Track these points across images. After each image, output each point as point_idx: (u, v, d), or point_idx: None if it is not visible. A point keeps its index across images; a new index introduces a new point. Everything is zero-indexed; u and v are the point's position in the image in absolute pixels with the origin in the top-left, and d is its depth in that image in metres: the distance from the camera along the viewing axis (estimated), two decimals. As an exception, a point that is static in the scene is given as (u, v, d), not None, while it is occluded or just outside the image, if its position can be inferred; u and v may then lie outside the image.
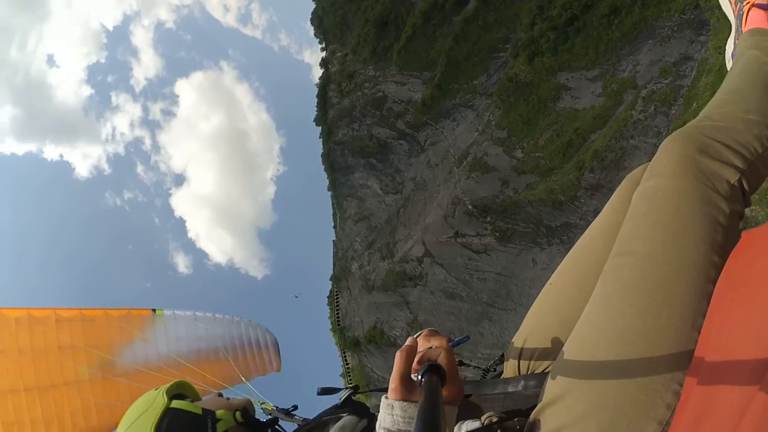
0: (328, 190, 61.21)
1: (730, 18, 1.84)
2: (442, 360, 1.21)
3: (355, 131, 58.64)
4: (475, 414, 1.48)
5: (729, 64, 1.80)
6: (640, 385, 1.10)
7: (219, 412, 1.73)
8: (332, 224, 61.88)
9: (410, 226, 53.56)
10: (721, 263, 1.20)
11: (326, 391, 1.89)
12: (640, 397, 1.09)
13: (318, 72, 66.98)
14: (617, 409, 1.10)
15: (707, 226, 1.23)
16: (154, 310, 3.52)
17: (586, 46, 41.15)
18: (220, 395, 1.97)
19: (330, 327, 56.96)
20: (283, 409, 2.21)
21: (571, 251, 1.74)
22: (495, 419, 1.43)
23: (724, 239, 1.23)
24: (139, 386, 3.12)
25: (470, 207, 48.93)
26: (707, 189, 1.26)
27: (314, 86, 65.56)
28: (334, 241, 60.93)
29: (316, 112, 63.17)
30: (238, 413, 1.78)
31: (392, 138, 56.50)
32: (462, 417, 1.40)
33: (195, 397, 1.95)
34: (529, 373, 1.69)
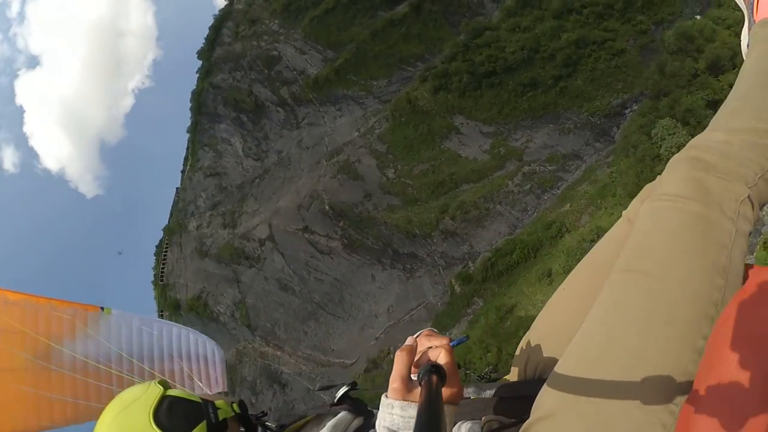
0: (188, 131, 55.01)
1: (741, 6, 1.79)
2: (442, 360, 1.17)
3: (236, 81, 52.85)
4: (476, 416, 1.48)
5: (744, 56, 1.72)
6: (637, 404, 1.08)
7: (218, 402, 1.70)
8: (181, 168, 56.09)
9: (261, 202, 50.66)
10: (724, 285, 1.18)
11: (326, 388, 1.88)
12: (636, 416, 1.08)
13: (222, 3, 58.78)
14: (612, 428, 1.09)
15: (711, 248, 1.21)
16: (102, 308, 3.44)
17: (493, 102, 41.19)
18: None
19: (152, 279, 52.56)
20: (252, 414, 2.03)
21: (585, 257, 1.69)
22: (495, 424, 1.45)
23: (728, 261, 1.20)
24: (82, 380, 3.10)
25: (327, 207, 47.59)
26: (712, 210, 1.25)
27: (212, 16, 57.39)
28: (178, 188, 55.42)
29: (203, 44, 55.60)
30: (235, 404, 1.78)
31: (272, 102, 52.04)
32: (462, 418, 1.42)
33: None
34: (535, 378, 1.66)
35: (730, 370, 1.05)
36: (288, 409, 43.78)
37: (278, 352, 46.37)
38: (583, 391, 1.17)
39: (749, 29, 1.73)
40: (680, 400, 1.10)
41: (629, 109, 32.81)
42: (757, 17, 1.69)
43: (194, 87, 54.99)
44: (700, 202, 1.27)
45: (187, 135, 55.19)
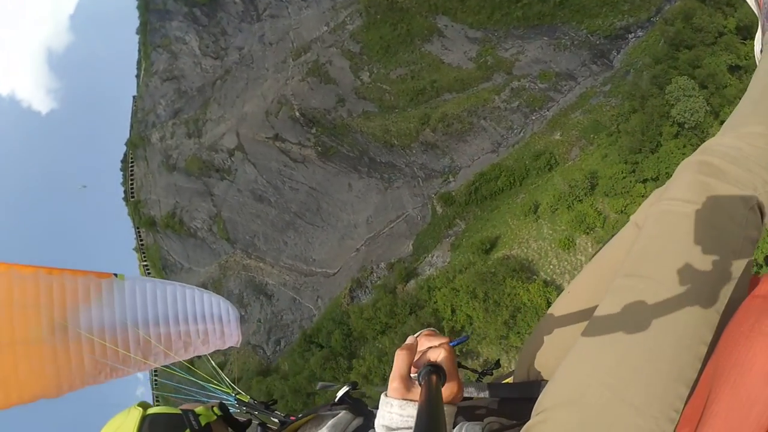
0: (137, 33, 48.54)
1: (756, 12, 1.77)
2: (442, 360, 1.19)
3: (180, -33, 45.51)
4: (477, 417, 1.46)
5: (758, 61, 1.73)
6: (638, 410, 1.08)
7: (198, 409, 1.74)
8: (135, 72, 50.64)
9: (225, 107, 46.66)
10: (729, 292, 1.17)
11: (326, 386, 1.88)
12: (636, 422, 1.07)
13: None
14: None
15: (718, 254, 1.19)
16: (115, 275, 3.42)
17: (483, 4, 35.76)
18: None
19: (122, 196, 50.18)
20: (261, 402, 2.17)
21: (591, 261, 1.70)
22: (497, 426, 1.41)
23: (734, 267, 1.20)
24: (94, 351, 3.19)
25: (297, 114, 44.02)
26: (720, 215, 1.23)
27: None
28: (134, 97, 50.49)
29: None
30: (215, 407, 1.80)
31: (226, -9, 45.41)
32: (463, 419, 1.41)
33: None
34: (540, 380, 1.67)
35: (740, 378, 1.00)
36: (277, 320, 45.13)
37: (261, 264, 46.41)
38: (584, 394, 1.16)
39: (763, 34, 1.70)
40: (680, 404, 1.09)
41: (633, 35, 29.20)
42: None
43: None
44: (707, 206, 1.25)
45: (137, 36, 48.84)
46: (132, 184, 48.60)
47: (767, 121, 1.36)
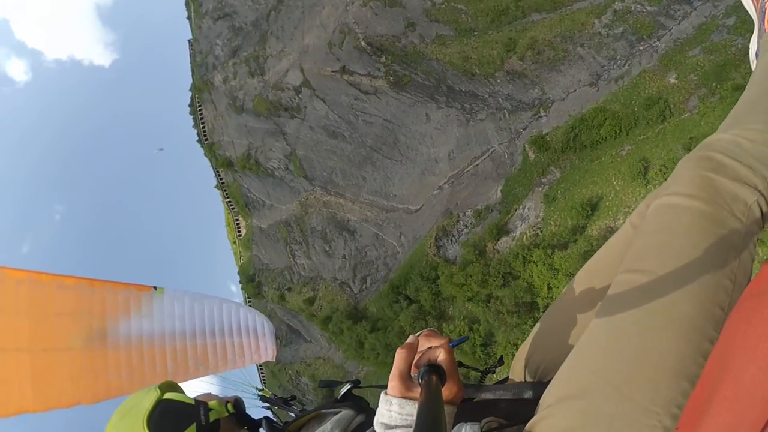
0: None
1: (752, 15, 1.75)
2: (442, 360, 1.21)
3: None
4: (475, 417, 1.45)
5: (753, 66, 1.72)
6: (639, 405, 1.09)
7: (211, 403, 1.79)
8: (185, 14, 47.20)
9: (284, 40, 42.95)
10: (732, 287, 1.18)
11: (328, 384, 1.94)
12: (638, 418, 1.08)
13: None
14: (614, 428, 1.10)
15: (719, 249, 1.20)
16: (155, 288, 3.71)
17: None
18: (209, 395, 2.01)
19: (196, 139, 49.83)
20: (280, 397, 2.25)
21: (590, 260, 1.73)
22: (495, 425, 1.45)
23: (737, 263, 1.20)
24: (131, 360, 3.41)
25: (363, 43, 39.60)
26: (721, 210, 1.23)
27: None
28: (189, 40, 47.52)
29: None
30: (229, 404, 1.84)
31: None
32: (462, 419, 1.38)
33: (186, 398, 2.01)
34: (536, 380, 1.69)
35: (743, 366, 0.97)
36: (361, 257, 45.39)
37: (341, 200, 45.79)
38: (586, 390, 1.15)
39: (759, 38, 1.68)
40: (682, 401, 1.08)
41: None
42: None
43: None
44: (709, 202, 1.24)
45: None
46: (204, 127, 47.85)
47: (765, 119, 1.34)
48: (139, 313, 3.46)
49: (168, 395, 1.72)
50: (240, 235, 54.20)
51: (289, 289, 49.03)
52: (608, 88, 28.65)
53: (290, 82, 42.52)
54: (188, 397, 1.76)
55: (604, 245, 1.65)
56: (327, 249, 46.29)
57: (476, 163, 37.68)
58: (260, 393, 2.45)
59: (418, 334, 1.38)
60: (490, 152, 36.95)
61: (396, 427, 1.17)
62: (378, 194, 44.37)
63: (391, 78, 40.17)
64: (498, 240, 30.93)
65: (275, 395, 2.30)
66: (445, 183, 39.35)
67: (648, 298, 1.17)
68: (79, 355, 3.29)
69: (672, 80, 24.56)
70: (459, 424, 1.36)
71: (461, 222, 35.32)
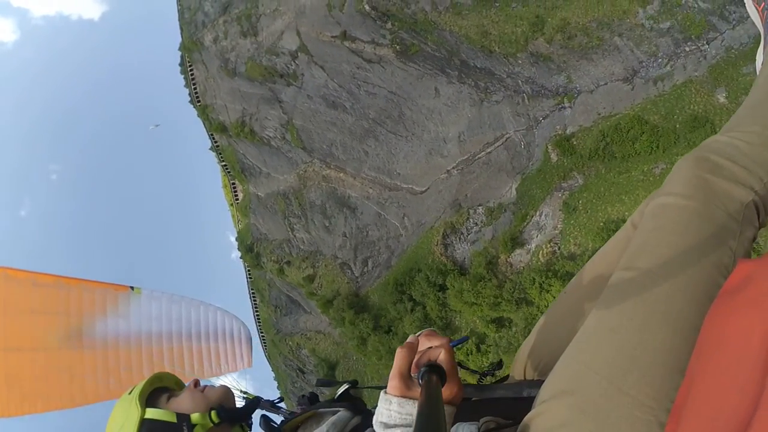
0: None
1: (758, 26, 1.79)
2: (442, 360, 1.20)
3: None
4: (474, 417, 1.45)
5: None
6: (635, 400, 1.08)
7: (194, 417, 1.72)
8: None
9: (280, -3, 37.81)
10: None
11: (324, 384, 1.92)
12: (633, 413, 1.08)
13: None
14: (609, 423, 1.09)
15: (714, 247, 1.22)
16: (132, 288, 3.63)
17: None
18: (197, 384, 1.90)
19: (188, 100, 45.92)
20: (267, 400, 2.19)
21: (589, 262, 1.73)
22: (493, 425, 1.44)
23: (731, 262, 1.21)
24: (108, 362, 3.33)
25: (366, 6, 34.54)
26: (717, 210, 1.25)
27: None
28: None
29: None
30: (213, 413, 1.75)
31: None
32: (460, 419, 1.39)
33: (174, 386, 1.95)
34: (535, 380, 1.70)
35: (720, 358, 1.01)
36: (363, 237, 42.86)
37: (341, 175, 42.72)
38: (581, 385, 1.15)
39: (765, 48, 1.66)
40: (676, 395, 1.08)
41: None
42: None
43: None
44: (704, 201, 1.25)
45: None
46: (195, 88, 43.96)
47: (763, 122, 1.35)
48: (115, 313, 3.34)
49: (149, 413, 1.68)
50: (237, 200, 51.73)
51: (288, 263, 47.15)
52: (644, 88, 24.76)
53: (285, 47, 38.18)
54: (169, 413, 1.70)
55: (605, 244, 1.62)
56: (327, 225, 43.85)
57: (489, 149, 34.12)
58: (245, 396, 2.40)
59: (418, 333, 1.36)
60: (504, 139, 33.31)
61: (395, 426, 1.15)
62: (381, 171, 41.16)
63: (397, 46, 35.71)
64: (512, 252, 28.23)
65: (260, 398, 2.18)
66: (453, 168, 35.98)
67: (643, 295, 1.17)
68: (55, 355, 3.15)
69: (721, 99, 20.74)
70: (457, 424, 1.36)
71: (471, 219, 32.47)
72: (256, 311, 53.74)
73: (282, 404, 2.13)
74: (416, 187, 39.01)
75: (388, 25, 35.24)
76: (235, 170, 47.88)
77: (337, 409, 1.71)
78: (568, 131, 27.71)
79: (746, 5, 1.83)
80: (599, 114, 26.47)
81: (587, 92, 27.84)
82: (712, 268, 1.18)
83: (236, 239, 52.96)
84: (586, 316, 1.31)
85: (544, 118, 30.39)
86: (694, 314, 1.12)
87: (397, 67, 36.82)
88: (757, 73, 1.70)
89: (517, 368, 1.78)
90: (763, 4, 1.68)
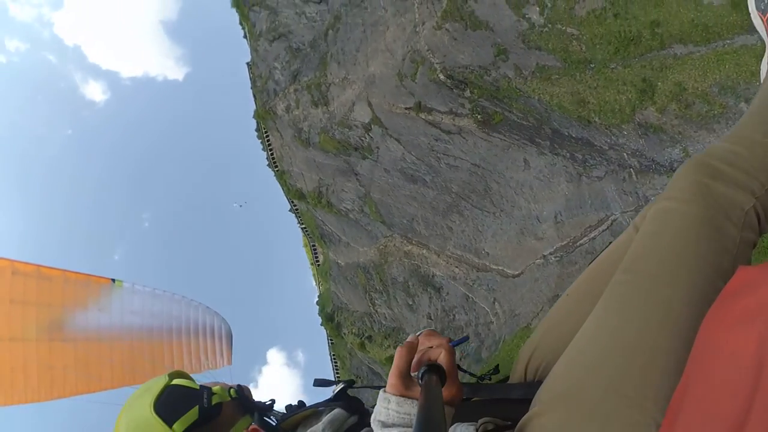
0: (226, -7, 37.94)
1: (763, 36, 1.80)
2: (442, 360, 1.20)
3: None
4: (472, 417, 1.45)
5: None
6: (633, 402, 1.08)
7: (215, 388, 1.82)
8: (242, 34, 41.48)
9: (346, 65, 35.23)
10: None
11: (321, 383, 1.87)
12: (631, 414, 1.08)
13: None
14: (607, 424, 1.08)
15: (714, 252, 1.20)
16: (113, 280, 3.46)
17: None
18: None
19: (266, 164, 45.45)
20: (260, 402, 2.08)
21: (591, 264, 1.68)
22: (491, 426, 1.43)
23: (731, 266, 1.20)
24: (85, 354, 3.17)
25: (441, 75, 30.70)
26: (718, 215, 1.25)
27: None
28: (248, 63, 41.90)
29: None
30: (232, 390, 1.88)
31: None
32: (458, 419, 1.39)
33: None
34: (535, 381, 1.64)
35: (713, 362, 1.02)
36: (449, 320, 38.41)
37: (424, 251, 38.54)
38: (579, 387, 1.16)
39: None
40: None
41: None
42: None
43: None
44: (705, 206, 1.26)
45: (229, -1, 38.33)
46: (272, 154, 42.99)
47: (764, 130, 1.37)
48: (96, 306, 3.34)
49: (176, 381, 1.78)
50: (318, 263, 50.11)
51: (370, 338, 44.08)
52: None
53: (358, 119, 35.34)
54: (195, 383, 1.81)
55: (607, 248, 1.64)
56: (410, 303, 40.03)
57: (592, 234, 27.85)
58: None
59: (418, 333, 1.37)
60: (610, 222, 26.85)
61: (393, 425, 1.16)
62: (467, 249, 36.39)
63: (478, 116, 30.97)
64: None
65: (252, 399, 2.20)
66: (551, 254, 30.23)
67: (642, 297, 1.18)
68: (34, 345, 3.09)
69: None
70: (455, 425, 1.38)
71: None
72: (337, 375, 51.42)
73: (272, 407, 2.07)
74: (508, 270, 33.68)
75: (467, 94, 30.81)
76: (315, 235, 46.34)
77: (334, 406, 1.71)
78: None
79: (751, 16, 1.93)
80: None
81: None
82: (711, 273, 1.17)
83: (317, 303, 51.43)
84: (587, 317, 1.30)
85: (654, 197, 23.99)
86: (692, 318, 1.12)
87: (480, 138, 32.11)
88: (761, 81, 1.72)
89: (518, 370, 1.76)
90: (767, 14, 1.65)
